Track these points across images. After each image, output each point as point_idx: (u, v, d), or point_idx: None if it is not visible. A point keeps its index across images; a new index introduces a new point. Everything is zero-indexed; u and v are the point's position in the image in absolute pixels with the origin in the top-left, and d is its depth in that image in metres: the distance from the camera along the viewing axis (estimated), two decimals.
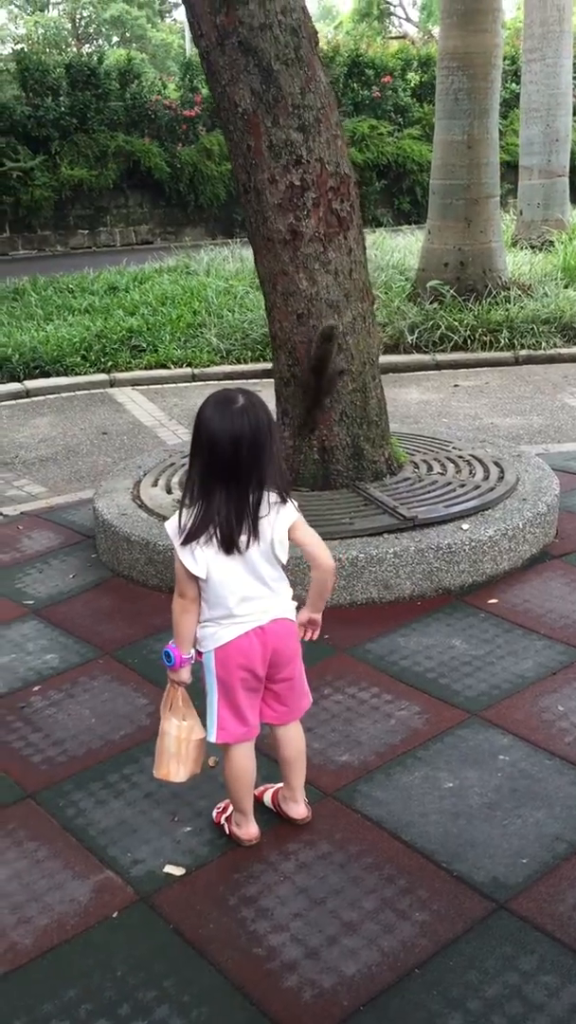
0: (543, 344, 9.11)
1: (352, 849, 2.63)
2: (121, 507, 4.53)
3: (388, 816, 2.75)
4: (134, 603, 4.16)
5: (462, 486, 4.53)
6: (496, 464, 4.83)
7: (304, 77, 4.13)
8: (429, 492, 4.46)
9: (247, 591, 2.44)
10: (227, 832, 2.69)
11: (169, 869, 2.59)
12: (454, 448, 5.14)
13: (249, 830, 2.66)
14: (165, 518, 4.22)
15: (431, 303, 9.48)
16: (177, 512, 2.42)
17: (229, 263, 12.06)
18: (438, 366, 8.96)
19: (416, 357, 9.06)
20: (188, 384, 8.76)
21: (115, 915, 2.45)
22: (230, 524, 2.35)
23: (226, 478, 2.33)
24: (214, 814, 2.77)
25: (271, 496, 2.40)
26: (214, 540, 2.36)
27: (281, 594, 2.51)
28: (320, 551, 2.53)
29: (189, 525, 2.36)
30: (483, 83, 9.26)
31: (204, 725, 2.58)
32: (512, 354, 9.02)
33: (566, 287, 9.97)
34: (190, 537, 2.36)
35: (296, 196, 4.21)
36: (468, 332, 9.10)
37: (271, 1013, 2.15)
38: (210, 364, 8.99)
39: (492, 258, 9.73)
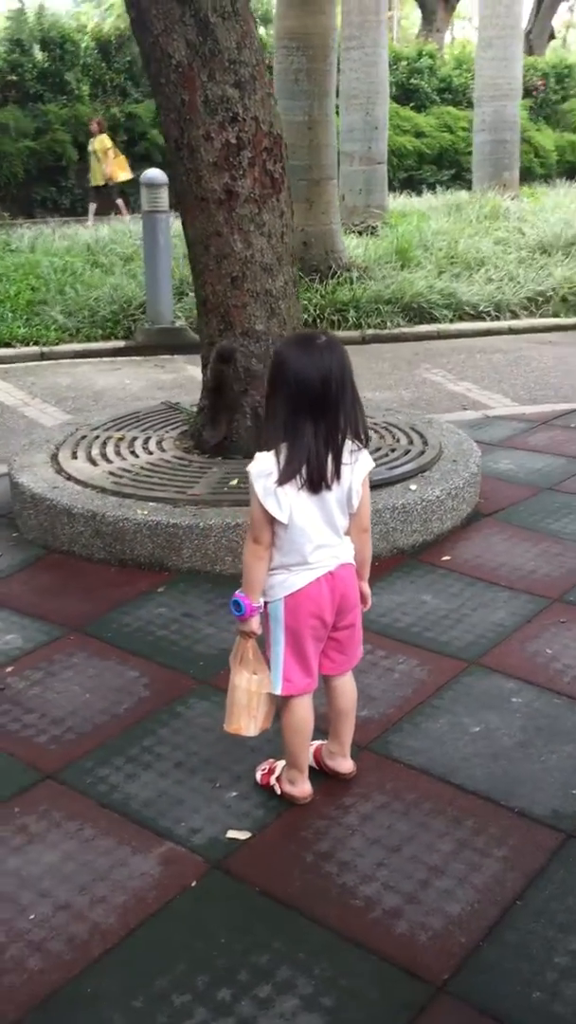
0: (387, 323, 9.37)
1: (408, 797, 2.63)
2: (49, 481, 4.30)
3: (430, 763, 2.77)
4: (82, 579, 3.96)
5: (393, 451, 4.60)
6: (414, 430, 4.94)
7: (240, 32, 4.05)
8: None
9: (322, 538, 2.39)
10: (279, 792, 2.62)
11: (232, 834, 2.50)
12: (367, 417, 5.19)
13: (304, 788, 2.60)
14: (103, 489, 4.06)
15: None
16: (262, 455, 2.34)
17: (55, 241, 11.61)
18: None
19: None
20: (38, 363, 8.40)
21: (193, 884, 2.34)
22: (321, 461, 2.29)
23: (315, 416, 2.27)
24: (259, 776, 2.69)
25: (350, 444, 2.37)
26: (300, 480, 2.30)
27: (346, 541, 2.47)
28: (368, 510, 2.52)
29: (283, 465, 2.28)
30: (322, 65, 9.39)
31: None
32: (359, 333, 9.22)
33: (402, 269, 10.28)
34: (285, 478, 2.28)
35: (232, 155, 4.13)
36: (317, 311, 9.22)
37: (393, 959, 2.12)
38: (59, 342, 8.66)
39: (333, 239, 9.90)
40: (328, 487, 2.34)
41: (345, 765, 2.69)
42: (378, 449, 4.61)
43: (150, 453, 4.63)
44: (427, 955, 2.13)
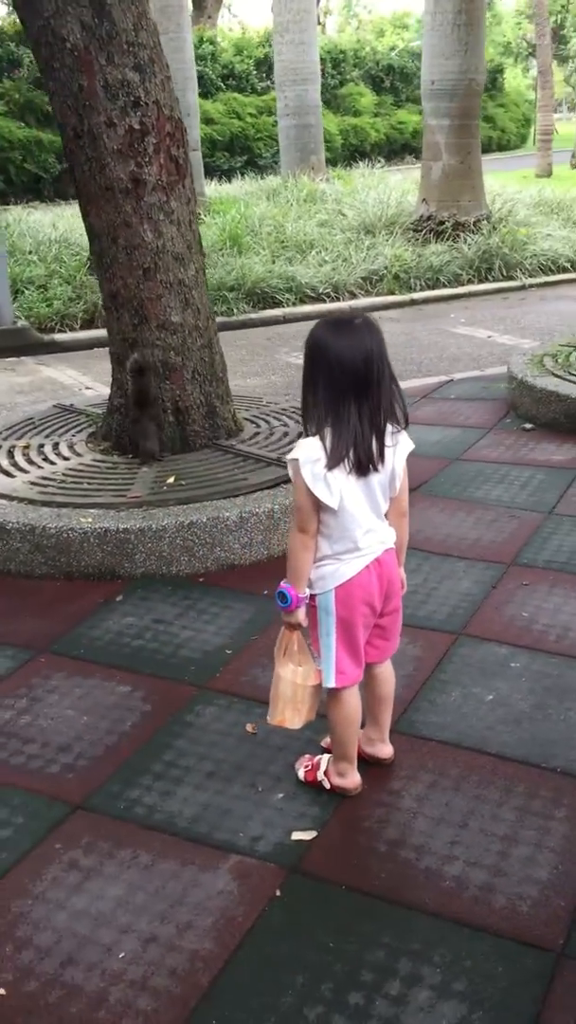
0: (234, 310, 9.33)
1: (452, 772, 2.64)
2: None
3: (460, 736, 2.78)
4: (29, 597, 3.73)
5: None
6: None
7: (136, 13, 3.90)
8: (291, 444, 4.46)
9: (369, 523, 2.35)
10: (328, 787, 2.56)
11: (297, 836, 2.43)
12: (268, 403, 5.16)
13: (355, 778, 2.56)
14: (31, 500, 3.85)
15: None
16: (307, 441, 2.26)
17: None
18: None
19: None
20: None
21: (278, 893, 2.26)
22: (367, 442, 2.24)
23: (358, 398, 2.22)
24: (302, 774, 2.62)
25: (390, 426, 2.32)
26: (348, 463, 2.24)
27: (386, 525, 2.44)
28: (407, 493, 2.50)
29: (331, 449, 2.21)
30: None
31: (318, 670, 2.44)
32: None
33: (240, 255, 10.25)
34: (334, 461, 2.21)
35: (136, 141, 3.98)
36: None
37: (505, 933, 2.12)
38: None
39: None
40: (375, 469, 2.29)
41: (385, 750, 2.66)
42: (301, 435, 4.57)
43: (66, 459, 4.41)
44: (535, 924, 2.14)
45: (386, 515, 2.44)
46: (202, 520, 3.70)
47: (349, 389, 2.22)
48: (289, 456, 2.30)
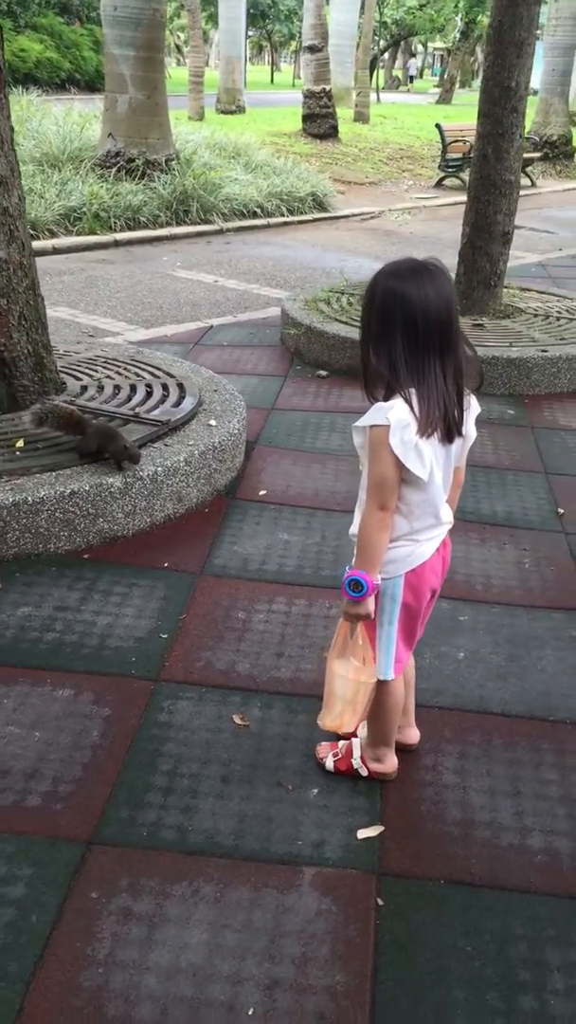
0: None
1: (473, 739, 2.52)
2: None
3: (457, 700, 2.67)
4: None
5: (148, 387, 4.17)
6: (140, 362, 4.52)
7: None
8: (131, 397, 4.03)
9: (445, 495, 2.11)
10: (365, 773, 2.34)
11: (364, 833, 2.20)
12: (68, 353, 4.64)
13: (393, 761, 2.36)
14: None
15: None
16: (396, 404, 1.93)
17: None
18: None
19: None
20: None
21: (380, 903, 2.03)
22: (453, 404, 1.98)
23: (442, 355, 1.95)
24: (330, 763, 2.37)
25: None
26: (440, 431, 1.98)
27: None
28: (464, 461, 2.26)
29: (419, 414, 1.93)
30: None
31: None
32: None
33: None
34: (428, 428, 1.93)
35: None
36: None
37: None
38: None
39: None
40: (460, 435, 2.04)
41: (413, 735, 2.47)
42: (133, 387, 4.15)
43: None
44: None
45: None
46: (84, 489, 3.23)
47: (433, 345, 1.93)
48: (367, 422, 1.97)
